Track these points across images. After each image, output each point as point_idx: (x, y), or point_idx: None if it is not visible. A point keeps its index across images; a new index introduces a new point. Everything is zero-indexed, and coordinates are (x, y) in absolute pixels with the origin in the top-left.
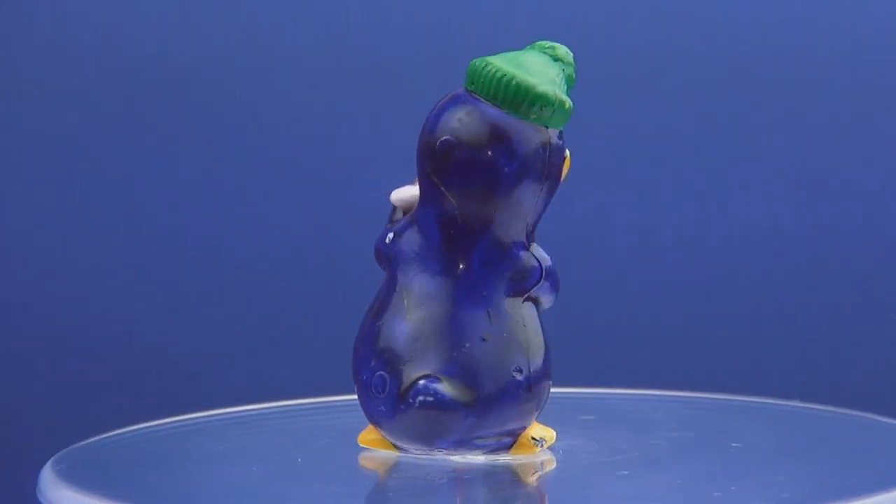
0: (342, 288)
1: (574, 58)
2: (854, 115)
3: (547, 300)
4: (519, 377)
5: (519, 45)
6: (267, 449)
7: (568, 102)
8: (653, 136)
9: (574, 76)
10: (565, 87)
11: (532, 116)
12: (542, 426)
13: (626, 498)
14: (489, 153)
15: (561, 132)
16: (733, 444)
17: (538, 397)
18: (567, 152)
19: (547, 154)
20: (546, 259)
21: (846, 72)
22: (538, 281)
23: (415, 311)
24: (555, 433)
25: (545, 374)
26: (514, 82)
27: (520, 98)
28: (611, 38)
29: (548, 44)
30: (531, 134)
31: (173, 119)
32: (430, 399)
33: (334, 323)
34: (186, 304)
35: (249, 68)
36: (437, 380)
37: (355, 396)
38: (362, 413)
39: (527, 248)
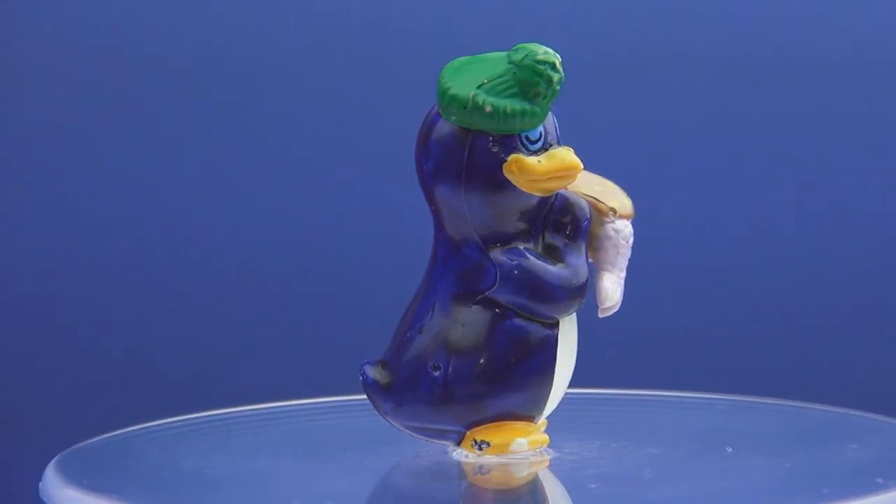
0: (343, 288)
1: (545, 59)
2: (854, 115)
3: (523, 306)
4: (435, 374)
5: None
6: (267, 449)
7: (490, 106)
8: (652, 136)
9: (535, 79)
10: (510, 90)
11: (452, 118)
12: (526, 430)
13: None
14: (417, 153)
15: (506, 135)
16: (733, 444)
17: (456, 400)
18: (515, 156)
19: (465, 155)
20: (506, 263)
21: (846, 72)
22: (492, 284)
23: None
24: (531, 439)
25: (472, 380)
26: (440, 84)
27: (438, 100)
28: (611, 38)
29: (519, 45)
30: (448, 135)
31: (173, 119)
32: (361, 378)
33: (335, 323)
34: (187, 304)
35: (250, 68)
36: (376, 362)
37: (356, 396)
38: (362, 414)
39: (483, 249)
